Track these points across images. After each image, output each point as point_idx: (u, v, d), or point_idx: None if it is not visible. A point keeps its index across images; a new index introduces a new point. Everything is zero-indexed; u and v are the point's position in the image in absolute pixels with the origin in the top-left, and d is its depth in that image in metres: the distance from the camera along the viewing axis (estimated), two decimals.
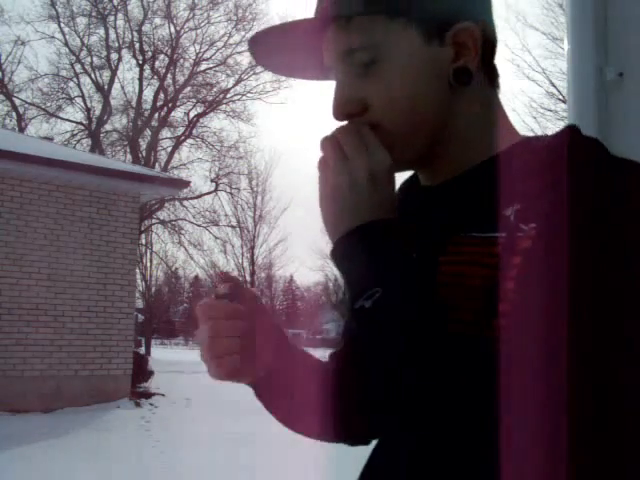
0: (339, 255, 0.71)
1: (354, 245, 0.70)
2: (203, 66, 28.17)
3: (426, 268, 0.72)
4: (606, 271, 0.61)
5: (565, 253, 0.60)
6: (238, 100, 28.40)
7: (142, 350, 21.22)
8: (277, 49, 0.79)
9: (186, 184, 12.83)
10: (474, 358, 0.63)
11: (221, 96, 28.27)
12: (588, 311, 0.60)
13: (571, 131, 0.70)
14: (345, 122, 0.76)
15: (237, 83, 28.15)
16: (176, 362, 23.17)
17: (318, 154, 0.74)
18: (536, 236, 0.64)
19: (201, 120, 28.26)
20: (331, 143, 0.73)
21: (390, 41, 0.72)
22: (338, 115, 0.76)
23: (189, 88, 28.08)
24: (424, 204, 0.80)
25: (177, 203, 26.72)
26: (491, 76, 0.78)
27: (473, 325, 0.66)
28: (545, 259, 0.62)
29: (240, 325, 0.82)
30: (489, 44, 0.76)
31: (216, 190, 28.49)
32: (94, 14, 26.89)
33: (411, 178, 0.86)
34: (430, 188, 0.80)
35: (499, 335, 0.63)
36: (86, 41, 27.24)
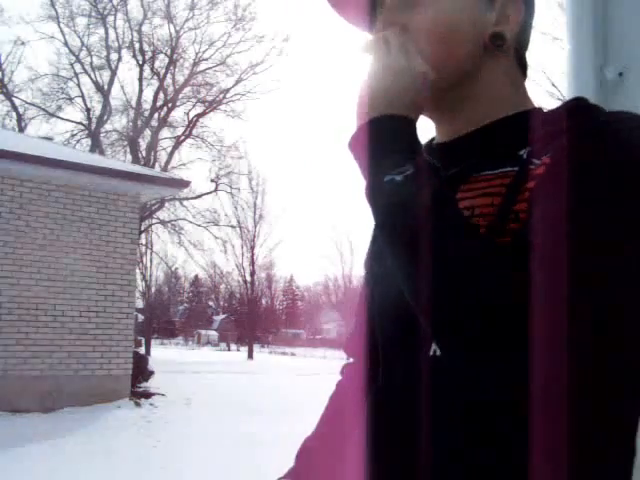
0: (377, 128, 0.72)
1: (399, 122, 0.72)
2: (203, 66, 28.20)
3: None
4: (610, 200, 0.63)
5: (573, 181, 0.64)
6: (238, 100, 28.43)
7: (142, 350, 21.22)
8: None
9: (186, 184, 12.83)
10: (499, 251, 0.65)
11: (221, 96, 28.29)
12: (591, 232, 0.62)
13: (577, 99, 0.75)
14: None
15: (237, 83, 28.18)
16: (176, 362, 23.18)
17: (363, 52, 0.78)
18: (550, 164, 0.67)
19: (201, 120, 28.29)
20: (388, 37, 0.76)
21: None
22: (377, 34, 0.79)
23: (189, 88, 28.11)
24: (441, 158, 0.82)
25: (177, 203, 26.74)
26: (521, 62, 0.83)
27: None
28: (556, 182, 0.65)
29: None
30: (525, 29, 0.81)
31: (216, 190, 28.51)
32: (94, 14, 26.91)
33: (427, 143, 0.89)
34: (447, 143, 0.82)
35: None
36: (86, 41, 27.28)
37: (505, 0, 0.77)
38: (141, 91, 27.80)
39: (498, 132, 0.77)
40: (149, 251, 32.19)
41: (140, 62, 27.75)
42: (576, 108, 0.73)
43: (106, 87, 27.50)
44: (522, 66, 0.83)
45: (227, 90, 28.18)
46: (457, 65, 0.77)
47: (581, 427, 0.62)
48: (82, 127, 27.55)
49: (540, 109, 0.79)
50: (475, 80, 0.79)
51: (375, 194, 0.70)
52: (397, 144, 0.70)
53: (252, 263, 36.88)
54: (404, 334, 0.77)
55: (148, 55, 27.86)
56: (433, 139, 0.88)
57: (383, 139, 0.71)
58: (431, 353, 0.73)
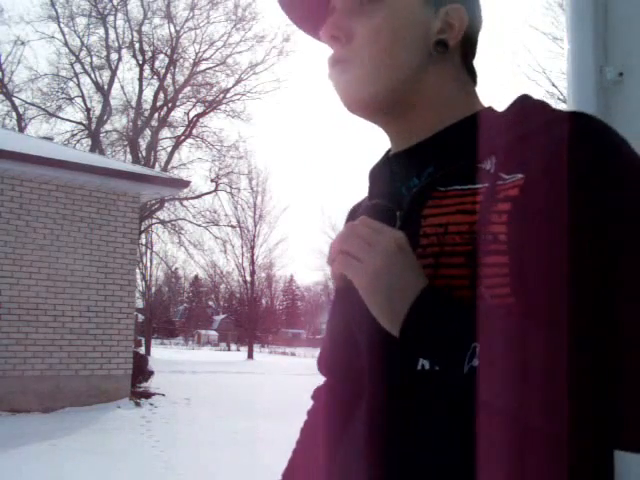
0: (417, 324, 0.68)
1: (429, 309, 0.68)
2: (203, 66, 28.19)
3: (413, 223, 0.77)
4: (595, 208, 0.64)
5: (558, 199, 0.65)
6: (238, 100, 28.42)
7: (142, 350, 21.22)
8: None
9: (186, 184, 12.82)
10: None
11: (221, 96, 28.27)
12: (585, 248, 0.63)
13: (524, 97, 0.78)
14: (331, 58, 0.81)
15: (237, 83, 28.17)
16: (176, 362, 23.17)
17: (330, 259, 0.74)
18: (525, 185, 0.68)
19: (201, 120, 28.27)
20: (348, 240, 0.72)
21: None
22: (324, 34, 0.81)
23: (189, 88, 28.08)
24: (398, 169, 0.83)
25: (177, 203, 26.72)
26: (469, 69, 0.84)
27: (465, 267, 0.70)
28: (538, 205, 0.66)
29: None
30: (470, 38, 0.83)
31: (216, 190, 28.50)
32: (94, 14, 26.90)
33: (380, 160, 0.90)
34: (402, 152, 0.83)
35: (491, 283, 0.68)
36: (86, 41, 27.26)
37: (449, 9, 0.80)
38: (141, 91, 27.82)
39: (453, 139, 0.78)
40: (149, 251, 32.18)
41: (140, 62, 27.75)
42: (530, 108, 0.75)
43: (106, 87, 27.50)
44: (471, 73, 0.85)
45: (227, 90, 28.19)
46: (402, 71, 0.78)
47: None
48: (82, 127, 27.56)
49: (491, 109, 0.81)
50: (422, 86, 0.80)
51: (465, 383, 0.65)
52: (453, 322, 0.67)
53: (252, 263, 36.87)
54: (388, 350, 0.75)
55: (148, 55, 27.86)
56: (386, 152, 0.89)
57: (431, 323, 0.67)
58: (419, 367, 0.71)
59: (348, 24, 0.79)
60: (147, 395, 11.21)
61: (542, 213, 0.66)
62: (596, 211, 0.64)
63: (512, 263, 0.67)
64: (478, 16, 0.84)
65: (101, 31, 27.27)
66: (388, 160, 0.87)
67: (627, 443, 0.61)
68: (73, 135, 27.13)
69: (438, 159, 0.78)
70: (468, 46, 0.83)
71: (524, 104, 0.77)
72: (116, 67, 27.64)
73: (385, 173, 0.86)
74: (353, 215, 0.97)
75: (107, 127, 27.80)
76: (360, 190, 0.97)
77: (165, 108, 27.76)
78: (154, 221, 27.12)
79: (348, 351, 0.85)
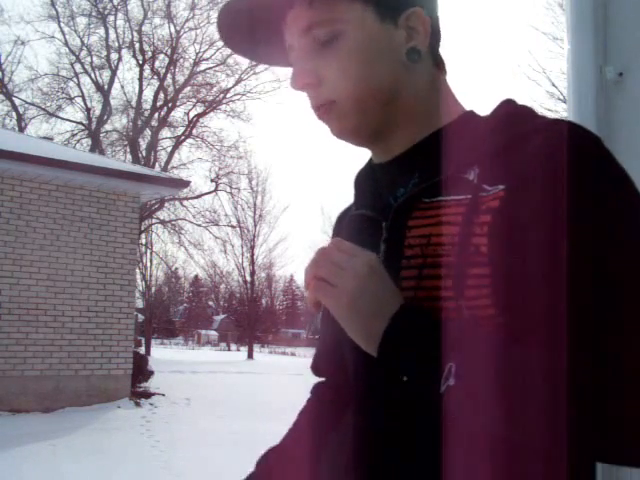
0: (393, 345, 0.68)
1: (405, 329, 0.68)
2: (203, 66, 28.19)
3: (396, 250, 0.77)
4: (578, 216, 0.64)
5: (537, 208, 0.66)
6: (238, 100, 28.42)
7: (142, 350, 21.22)
8: (243, 30, 0.84)
9: (186, 184, 12.83)
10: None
11: (221, 96, 28.28)
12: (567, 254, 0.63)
13: (508, 102, 0.78)
14: (306, 95, 0.81)
15: (237, 83, 28.17)
16: (176, 362, 23.17)
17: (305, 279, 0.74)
18: (505, 196, 0.69)
19: (201, 120, 28.28)
20: (320, 265, 0.71)
21: (349, 19, 0.77)
22: (296, 84, 0.80)
23: (189, 88, 28.09)
24: (382, 178, 0.84)
25: (177, 203, 26.72)
26: (438, 61, 0.84)
27: (447, 278, 0.70)
28: (517, 216, 0.67)
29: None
30: (435, 31, 0.82)
31: (216, 190, 28.50)
32: (94, 14, 26.91)
33: (365, 167, 0.90)
34: (386, 163, 0.83)
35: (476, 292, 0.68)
36: (86, 41, 27.29)
37: (408, 15, 0.78)
38: (141, 91, 27.83)
39: (435, 148, 0.77)
40: (149, 251, 32.18)
41: (140, 62, 27.76)
42: (513, 115, 0.75)
43: (106, 87, 27.51)
44: (439, 63, 0.84)
45: (227, 90, 28.19)
46: (381, 92, 0.78)
47: None
48: (82, 127, 27.57)
49: (473, 113, 0.81)
50: (401, 98, 0.79)
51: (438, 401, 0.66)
52: (428, 341, 0.67)
53: (252, 263, 36.86)
54: (370, 358, 0.74)
55: (148, 55, 27.87)
56: (371, 159, 0.88)
57: (409, 341, 0.68)
58: (405, 379, 0.71)
59: (315, 67, 0.78)
60: (147, 395, 11.22)
61: (521, 224, 0.66)
62: (582, 222, 0.64)
63: (493, 274, 0.67)
64: (434, 8, 0.83)
65: (101, 31, 27.32)
66: (372, 169, 0.87)
67: (628, 459, 0.61)
68: (73, 135, 27.16)
69: (422, 169, 0.78)
70: (435, 41, 0.82)
71: (508, 110, 0.76)
72: (116, 67, 27.68)
73: (370, 182, 0.87)
74: (340, 224, 0.97)
75: (107, 127, 27.85)
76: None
77: (165, 108, 27.78)
78: (154, 221, 27.13)
79: (338, 361, 0.88)
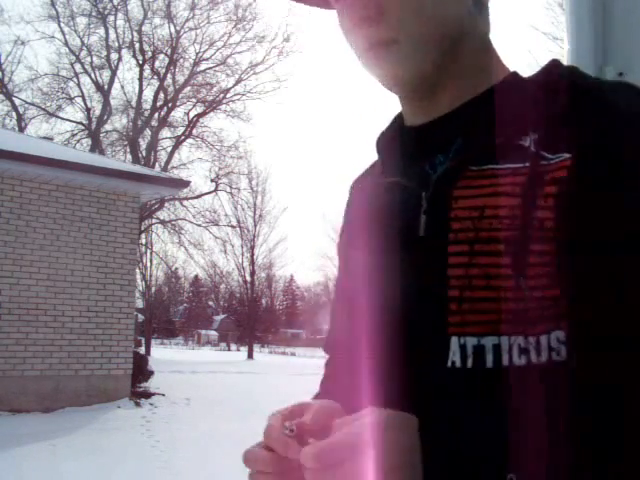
0: None
1: None
2: (203, 66, 28.20)
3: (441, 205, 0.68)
4: None
5: (612, 181, 0.60)
6: (238, 100, 28.43)
7: (142, 350, 21.22)
8: None
9: (186, 184, 12.84)
10: None
11: (221, 96, 28.28)
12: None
13: (556, 62, 0.71)
14: (361, 33, 0.70)
15: (237, 83, 28.18)
16: (176, 362, 23.17)
17: None
18: (573, 166, 0.62)
19: (201, 120, 28.29)
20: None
21: None
22: (351, 18, 0.70)
23: (189, 88, 28.09)
24: (417, 142, 0.75)
25: (177, 203, 26.73)
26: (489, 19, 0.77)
27: (504, 255, 0.63)
28: (590, 188, 0.60)
29: None
30: None
31: (216, 190, 28.51)
32: (94, 14, 26.91)
33: (390, 129, 0.81)
34: (424, 125, 0.74)
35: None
36: (86, 41, 27.29)
37: None
38: (141, 91, 27.83)
39: (483, 110, 0.70)
40: (149, 251, 32.19)
41: (140, 62, 27.76)
42: (565, 77, 0.68)
43: (106, 87, 27.51)
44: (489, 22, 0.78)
45: (227, 90, 28.19)
46: (446, 37, 0.70)
47: None
48: (82, 127, 27.58)
49: (517, 75, 0.73)
50: (460, 49, 0.71)
51: None
52: None
53: (252, 263, 36.87)
54: (414, 343, 0.68)
55: (148, 55, 27.88)
56: (396, 121, 0.80)
57: None
58: (449, 364, 0.65)
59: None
60: (147, 395, 11.21)
61: (595, 197, 0.60)
62: None
63: (559, 252, 0.61)
64: None
65: (101, 31, 27.32)
66: (401, 131, 0.77)
67: None
68: (73, 135, 27.17)
69: (466, 133, 0.70)
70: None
71: (558, 72, 0.69)
72: (116, 67, 27.69)
73: (400, 147, 0.77)
74: (359, 193, 0.86)
75: (107, 127, 27.86)
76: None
77: (165, 108, 27.78)
78: (154, 221, 27.14)
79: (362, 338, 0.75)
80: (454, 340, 0.65)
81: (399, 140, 0.77)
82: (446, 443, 0.60)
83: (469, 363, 0.64)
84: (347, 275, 0.84)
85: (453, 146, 0.71)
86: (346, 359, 0.80)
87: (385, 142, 0.80)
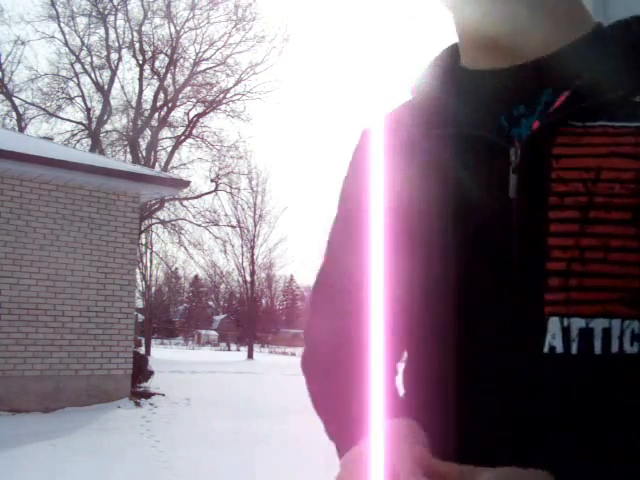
0: None
1: None
2: (203, 66, 28.17)
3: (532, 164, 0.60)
4: None
5: None
6: (238, 100, 28.42)
7: (142, 350, 21.21)
8: None
9: (186, 184, 12.83)
10: None
11: (221, 96, 28.27)
12: None
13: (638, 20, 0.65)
14: None
15: (237, 83, 28.16)
16: (176, 362, 23.17)
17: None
18: None
19: (201, 120, 28.27)
20: None
21: None
22: None
23: (189, 88, 28.08)
24: (491, 88, 0.66)
25: (177, 203, 26.73)
26: None
27: (629, 225, 0.56)
28: None
29: None
30: None
31: (216, 190, 28.50)
32: (94, 14, 26.90)
33: (445, 70, 0.71)
34: (502, 70, 0.65)
35: None
36: (86, 41, 27.26)
37: None
38: (141, 91, 27.82)
39: (577, 59, 0.63)
40: (149, 251, 32.19)
41: (140, 62, 27.75)
42: None
43: (106, 87, 27.50)
44: None
45: (227, 90, 28.18)
46: None
47: None
48: (82, 127, 27.56)
49: (601, 25, 0.68)
50: None
51: None
52: None
53: (252, 263, 36.85)
54: (499, 324, 0.59)
55: (148, 55, 27.86)
56: (444, 63, 0.71)
57: None
58: (546, 350, 0.58)
59: None
60: (147, 395, 11.21)
61: None
62: None
63: None
64: None
65: (101, 31, 27.30)
66: (463, 76, 0.68)
67: None
68: (73, 135, 27.16)
69: (557, 83, 0.62)
70: None
71: None
72: (116, 67, 27.67)
73: (461, 93, 0.67)
74: (396, 133, 0.71)
75: (107, 127, 27.83)
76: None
77: (165, 108, 27.77)
78: (154, 221, 27.13)
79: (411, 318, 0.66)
80: (554, 321, 0.57)
81: (457, 85, 0.68)
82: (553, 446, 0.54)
83: (573, 348, 0.56)
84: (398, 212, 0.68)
85: (541, 97, 0.63)
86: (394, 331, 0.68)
87: (437, 86, 0.69)
